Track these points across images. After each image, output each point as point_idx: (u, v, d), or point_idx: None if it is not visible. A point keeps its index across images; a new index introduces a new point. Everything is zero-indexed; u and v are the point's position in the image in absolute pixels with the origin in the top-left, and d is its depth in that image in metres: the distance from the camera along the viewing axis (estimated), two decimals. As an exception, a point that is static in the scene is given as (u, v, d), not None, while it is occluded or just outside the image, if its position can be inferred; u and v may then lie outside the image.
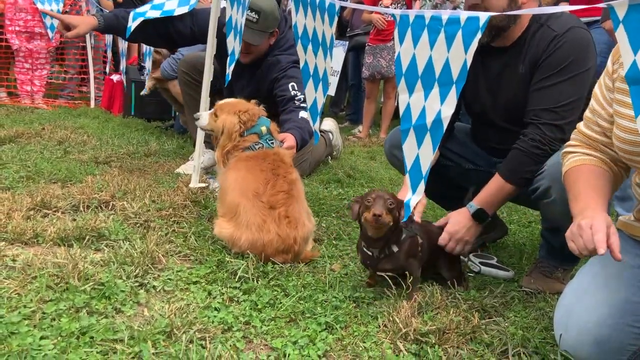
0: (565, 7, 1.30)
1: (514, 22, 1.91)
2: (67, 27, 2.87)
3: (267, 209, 2.01)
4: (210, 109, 2.39)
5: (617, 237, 1.25)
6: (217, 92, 3.39)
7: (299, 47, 2.19)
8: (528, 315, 1.73)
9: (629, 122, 1.34)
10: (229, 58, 2.69)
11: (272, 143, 2.21)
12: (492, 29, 1.90)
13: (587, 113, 1.54)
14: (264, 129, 2.20)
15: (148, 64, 4.32)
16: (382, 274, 1.88)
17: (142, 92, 4.59)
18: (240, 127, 2.17)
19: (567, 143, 1.60)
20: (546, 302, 1.83)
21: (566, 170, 1.54)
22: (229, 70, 2.68)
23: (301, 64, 2.23)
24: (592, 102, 1.51)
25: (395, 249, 1.78)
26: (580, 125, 1.56)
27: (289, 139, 2.49)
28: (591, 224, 1.26)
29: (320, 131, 3.89)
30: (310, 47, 2.13)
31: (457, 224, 1.88)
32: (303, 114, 2.85)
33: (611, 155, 1.48)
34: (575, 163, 1.51)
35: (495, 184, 1.88)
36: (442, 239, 1.87)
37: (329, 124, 4.06)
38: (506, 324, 1.65)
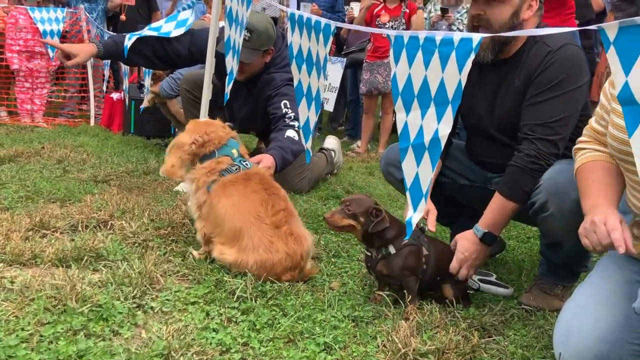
0: (561, 29, 1.32)
1: (514, 37, 1.93)
2: (67, 56, 2.90)
3: (272, 229, 2.00)
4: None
5: (629, 232, 1.28)
6: (218, 109, 3.42)
7: (294, 67, 2.21)
8: (528, 334, 1.72)
9: (622, 120, 1.34)
10: (227, 77, 2.72)
11: (247, 164, 2.18)
12: (495, 45, 1.93)
13: (597, 108, 1.56)
14: (234, 151, 2.18)
15: (147, 81, 4.35)
16: (381, 293, 1.89)
17: (142, 106, 4.62)
18: (187, 148, 2.13)
19: (579, 139, 1.62)
20: (546, 320, 1.82)
21: (577, 167, 1.56)
22: (228, 89, 2.71)
23: (295, 83, 2.25)
24: (601, 97, 1.53)
25: (392, 250, 1.83)
26: (592, 121, 1.59)
27: (266, 160, 2.47)
28: (605, 220, 1.29)
29: (323, 149, 3.92)
30: (304, 66, 2.15)
31: (466, 250, 1.86)
32: (290, 132, 2.85)
33: None
34: (587, 159, 1.53)
35: (497, 204, 1.86)
36: (453, 268, 1.86)
37: (331, 142, 4.07)
38: (506, 343, 1.64)
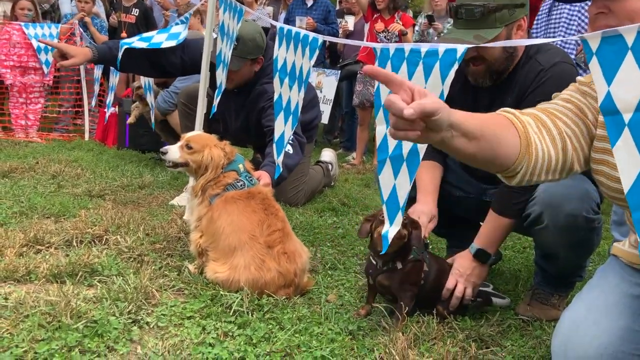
0: (544, 40, 1.33)
1: (511, 62, 1.93)
2: (64, 56, 2.88)
3: (265, 248, 1.99)
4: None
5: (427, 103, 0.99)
6: (215, 121, 3.43)
7: (276, 80, 2.22)
8: (525, 344, 1.72)
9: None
10: (217, 90, 2.73)
11: (252, 180, 2.18)
12: (493, 74, 1.93)
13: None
14: (241, 166, 2.18)
15: (149, 97, 4.35)
16: (375, 305, 1.88)
17: (128, 121, 4.64)
18: (224, 161, 2.14)
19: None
20: (543, 330, 1.82)
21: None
22: (216, 101, 2.72)
23: (275, 97, 2.25)
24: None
25: (399, 265, 1.81)
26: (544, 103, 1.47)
27: (264, 177, 2.45)
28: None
29: (320, 162, 3.92)
30: (287, 80, 2.15)
31: (461, 266, 1.88)
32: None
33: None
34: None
35: (492, 221, 1.88)
36: (450, 283, 1.87)
37: (328, 154, 4.08)
38: (503, 354, 1.64)
